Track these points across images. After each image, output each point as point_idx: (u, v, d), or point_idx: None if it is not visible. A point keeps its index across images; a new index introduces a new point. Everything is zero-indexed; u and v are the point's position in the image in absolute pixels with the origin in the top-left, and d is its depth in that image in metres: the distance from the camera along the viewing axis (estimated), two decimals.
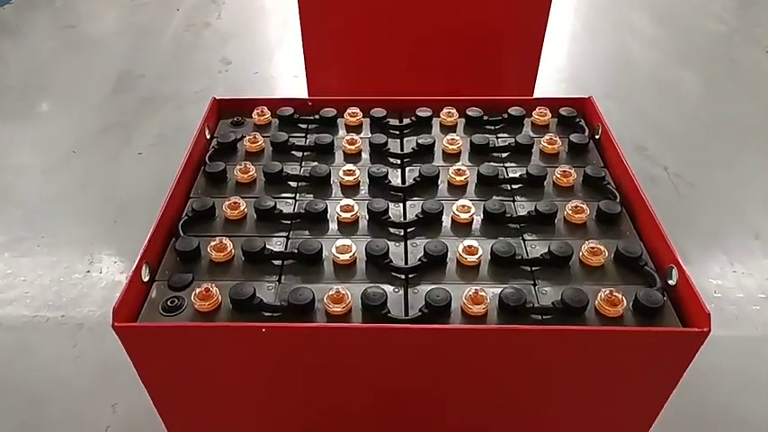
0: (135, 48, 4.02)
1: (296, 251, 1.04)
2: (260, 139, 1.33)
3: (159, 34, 4.17)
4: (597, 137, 1.36)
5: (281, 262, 1.05)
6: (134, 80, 3.62)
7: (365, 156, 1.32)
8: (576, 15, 4.24)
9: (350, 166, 1.23)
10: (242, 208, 1.14)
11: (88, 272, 2.38)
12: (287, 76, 3.65)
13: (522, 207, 1.17)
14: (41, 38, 4.17)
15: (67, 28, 4.28)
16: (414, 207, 1.17)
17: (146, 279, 1.00)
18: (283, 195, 1.21)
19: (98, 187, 2.76)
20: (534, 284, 1.01)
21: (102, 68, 3.73)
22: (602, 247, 1.03)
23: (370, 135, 1.38)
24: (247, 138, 1.33)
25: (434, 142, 1.31)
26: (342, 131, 1.41)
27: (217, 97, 1.47)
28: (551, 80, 3.59)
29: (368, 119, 1.41)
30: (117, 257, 2.42)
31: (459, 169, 1.22)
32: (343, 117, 1.42)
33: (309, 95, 2.41)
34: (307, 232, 1.12)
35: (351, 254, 1.04)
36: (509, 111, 1.40)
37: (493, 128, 1.41)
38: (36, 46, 4.06)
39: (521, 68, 2.22)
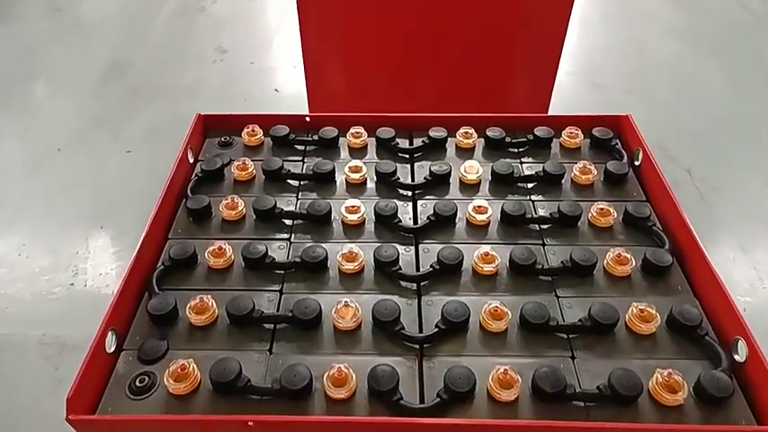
0: (125, 34, 3.80)
1: (290, 313, 0.88)
2: (250, 165, 1.16)
3: (150, 19, 3.95)
4: (637, 163, 1.19)
5: (272, 325, 0.89)
6: (123, 69, 3.42)
7: (371, 185, 1.15)
8: (590, 2, 4.01)
9: (353, 202, 1.06)
10: (228, 255, 0.98)
11: (72, 284, 2.22)
12: (285, 67, 3.45)
13: (554, 253, 1.01)
14: (27, 22, 3.95)
15: (55, 11, 4.05)
16: (427, 253, 1.01)
17: (111, 350, 0.84)
18: (277, 237, 1.04)
19: (84, 190, 2.59)
20: (573, 357, 0.86)
21: (90, 56, 3.53)
22: (652, 311, 0.87)
23: (376, 160, 1.21)
24: (236, 164, 1.16)
25: (450, 171, 1.14)
26: (344, 153, 1.24)
27: (202, 113, 1.29)
28: (563, 72, 3.36)
29: (373, 138, 1.24)
30: (103, 268, 2.26)
31: (479, 206, 1.05)
32: (345, 137, 1.25)
33: (309, 103, 2.24)
34: (303, 285, 0.96)
35: (353, 318, 0.88)
36: (535, 131, 1.23)
37: (516, 150, 1.24)
38: (21, 30, 3.84)
39: (537, 77, 2.05)
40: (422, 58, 2.05)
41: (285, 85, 3.29)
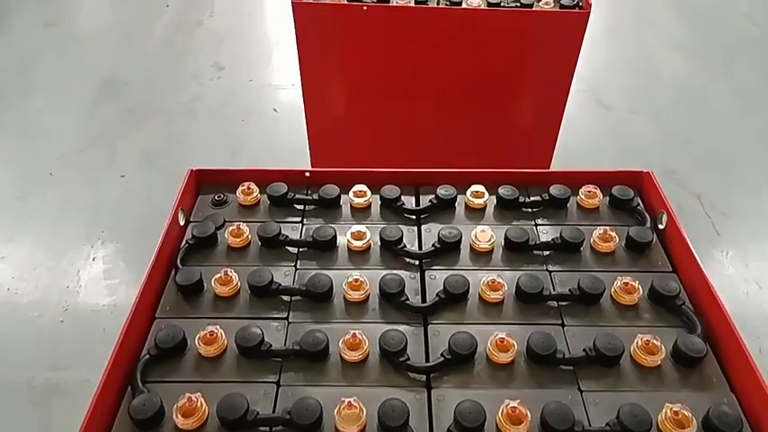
0: (120, 50, 3.72)
1: (288, 416, 0.80)
2: (245, 230, 1.07)
3: (146, 34, 3.87)
4: (661, 227, 1.10)
5: (268, 429, 0.81)
6: (118, 88, 3.34)
7: (375, 253, 1.07)
8: (595, 14, 3.92)
9: (356, 276, 0.98)
10: (221, 341, 0.90)
11: (62, 321, 2.14)
12: (284, 85, 3.36)
13: (574, 337, 0.93)
14: (20, 37, 3.86)
15: (49, 26, 3.97)
16: (437, 336, 0.93)
17: None
18: (273, 316, 0.96)
19: (76, 219, 2.50)
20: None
21: (84, 74, 3.45)
22: (687, 414, 0.79)
23: (380, 222, 1.12)
24: (230, 229, 1.07)
25: (460, 237, 1.06)
26: (346, 212, 1.16)
27: (194, 168, 1.20)
28: None
29: (377, 196, 1.16)
30: (94, 305, 2.18)
31: (493, 282, 0.97)
32: (347, 194, 1.16)
33: (312, 158, 2.19)
34: (302, 375, 0.88)
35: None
36: (550, 191, 1.14)
37: (530, 210, 1.16)
38: (14, 46, 3.75)
39: (539, 129, 2.07)
40: (423, 100, 2.02)
41: (284, 104, 3.21)
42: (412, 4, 1.85)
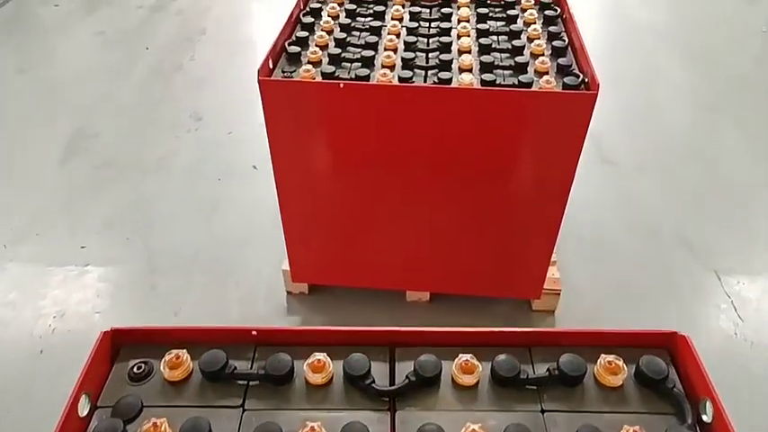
0: (94, 97, 3.49)
1: None
2: (163, 427, 0.82)
3: (123, 79, 3.65)
4: (706, 419, 0.85)
5: None
6: (87, 141, 3.10)
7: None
8: (599, 60, 3.72)
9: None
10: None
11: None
12: (265, 138, 3.13)
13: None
14: None
15: (20, 73, 3.75)
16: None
17: None
18: None
19: (27, 305, 2.23)
20: None
21: (51, 126, 3.21)
22: None
23: (343, 408, 0.88)
24: (145, 426, 0.82)
25: None
26: (300, 392, 0.90)
27: (111, 328, 0.96)
28: None
29: (341, 366, 0.91)
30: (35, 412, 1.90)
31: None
32: (302, 365, 0.92)
33: (288, 247, 1.98)
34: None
35: None
36: (560, 364, 0.90)
37: (534, 388, 0.91)
38: None
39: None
40: (409, 185, 1.83)
41: (264, 160, 2.94)
42: (395, 80, 1.62)
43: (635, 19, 4.41)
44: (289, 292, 2.27)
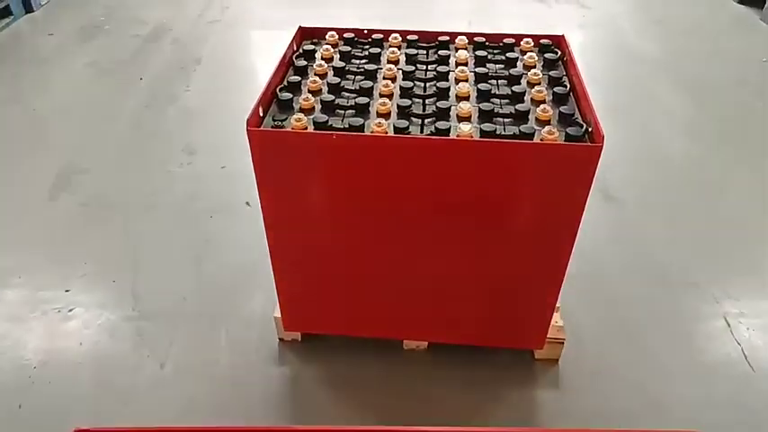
0: (85, 131, 3.43)
1: None
2: None
3: (115, 112, 3.59)
4: None
5: None
6: (76, 178, 3.03)
7: None
8: (596, 92, 3.66)
9: None
10: None
11: None
12: None
13: None
14: None
15: (9, 103, 3.69)
16: None
17: None
18: None
19: (0, 374, 2.10)
20: None
21: (39, 162, 3.13)
22: None
23: None
24: None
25: None
26: None
27: (75, 430, 0.86)
28: None
29: None
30: None
31: None
32: None
33: (283, 318, 1.92)
34: None
35: None
36: None
37: None
38: None
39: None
40: (405, 237, 1.77)
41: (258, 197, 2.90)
42: (391, 130, 1.55)
43: (632, 49, 4.39)
44: (281, 339, 2.18)
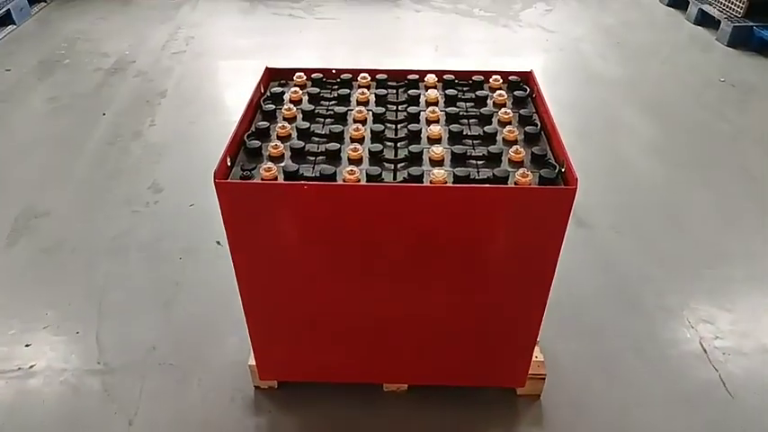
0: (46, 169, 3.31)
1: None
2: None
3: (77, 149, 3.48)
4: None
5: None
6: (35, 222, 2.91)
7: None
8: (563, 117, 3.72)
9: None
10: None
11: None
12: None
13: None
14: None
15: None
16: None
17: None
18: None
19: None
20: None
21: None
22: None
23: None
24: None
25: None
26: None
27: None
28: None
29: None
30: None
31: None
32: None
33: (258, 366, 1.88)
34: None
35: None
36: None
37: None
38: None
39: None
40: (380, 285, 1.73)
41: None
42: (363, 178, 1.52)
43: (595, 71, 4.49)
44: (257, 387, 2.11)
